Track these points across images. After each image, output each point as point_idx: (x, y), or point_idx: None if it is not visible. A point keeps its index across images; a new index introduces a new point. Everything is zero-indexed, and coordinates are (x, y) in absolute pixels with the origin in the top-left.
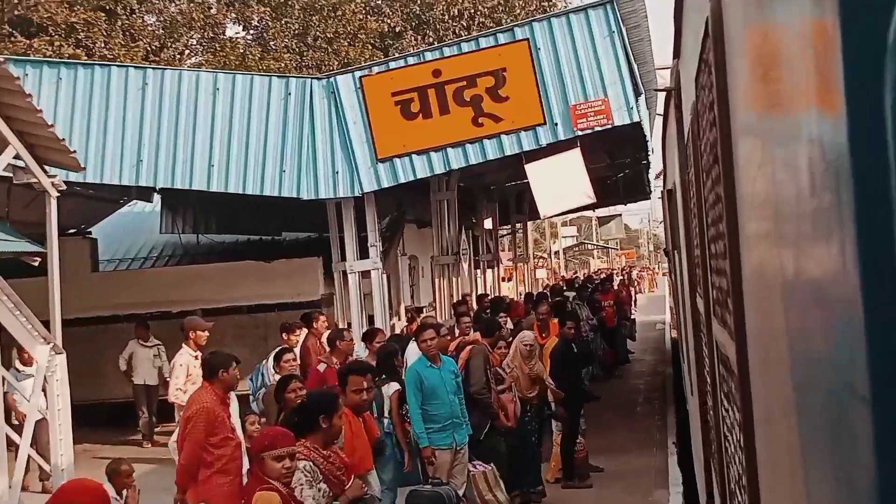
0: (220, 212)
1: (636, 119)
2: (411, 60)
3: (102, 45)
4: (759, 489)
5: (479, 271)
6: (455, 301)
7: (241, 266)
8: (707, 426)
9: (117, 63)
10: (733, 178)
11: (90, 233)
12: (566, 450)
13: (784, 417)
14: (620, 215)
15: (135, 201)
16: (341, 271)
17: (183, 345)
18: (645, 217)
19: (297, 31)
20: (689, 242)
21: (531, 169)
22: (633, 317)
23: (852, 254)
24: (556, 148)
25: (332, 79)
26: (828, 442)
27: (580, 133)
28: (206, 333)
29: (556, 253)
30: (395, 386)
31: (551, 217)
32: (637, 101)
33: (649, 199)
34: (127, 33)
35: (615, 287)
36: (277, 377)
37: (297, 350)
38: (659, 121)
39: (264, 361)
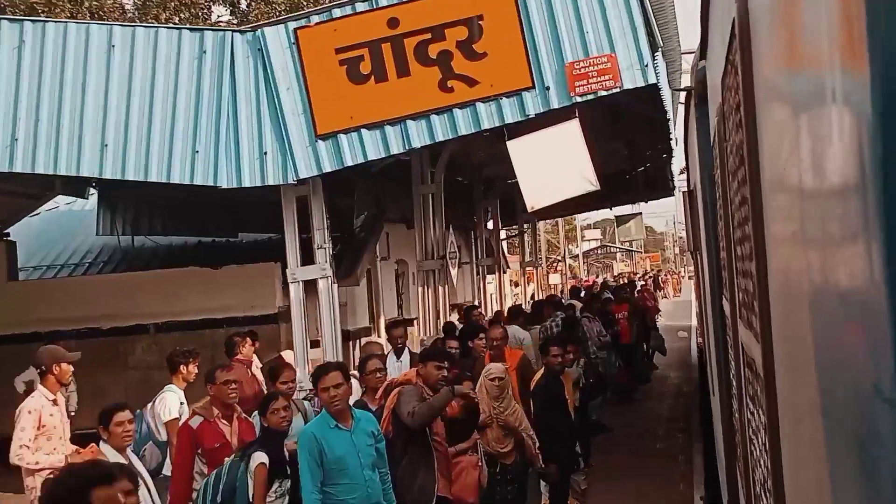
0: (167, 209)
1: (651, 80)
2: (360, 7)
3: None
4: (785, 492)
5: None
6: (391, 320)
7: (183, 274)
8: (732, 429)
9: None
10: (759, 179)
11: (7, 234)
12: None
13: (810, 420)
14: (640, 214)
15: (71, 198)
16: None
17: (38, 385)
18: (670, 219)
19: (283, 11)
20: (715, 244)
21: (515, 147)
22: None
23: (879, 256)
24: (548, 119)
25: (258, 32)
26: (854, 445)
27: (579, 99)
28: (71, 367)
29: (576, 257)
30: (259, 458)
31: (540, 210)
32: (654, 58)
33: (673, 195)
34: (95, 15)
35: (637, 293)
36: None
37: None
38: (682, 103)
39: (149, 405)
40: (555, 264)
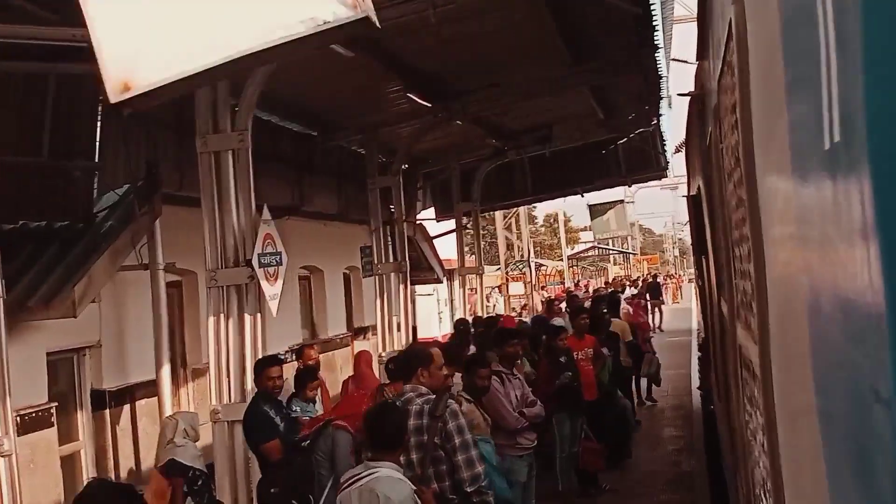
0: None
1: None
2: None
3: None
4: (784, 494)
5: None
6: None
7: None
8: (732, 431)
9: None
10: (756, 180)
11: None
12: None
13: (807, 421)
14: (622, 202)
15: None
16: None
17: None
18: (669, 220)
19: None
20: (714, 246)
21: None
22: (653, 354)
23: (876, 256)
24: None
25: None
26: (852, 446)
27: None
28: None
29: (562, 260)
30: None
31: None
32: None
33: (665, 176)
34: None
35: (629, 301)
36: None
37: None
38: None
39: None
40: (516, 271)
